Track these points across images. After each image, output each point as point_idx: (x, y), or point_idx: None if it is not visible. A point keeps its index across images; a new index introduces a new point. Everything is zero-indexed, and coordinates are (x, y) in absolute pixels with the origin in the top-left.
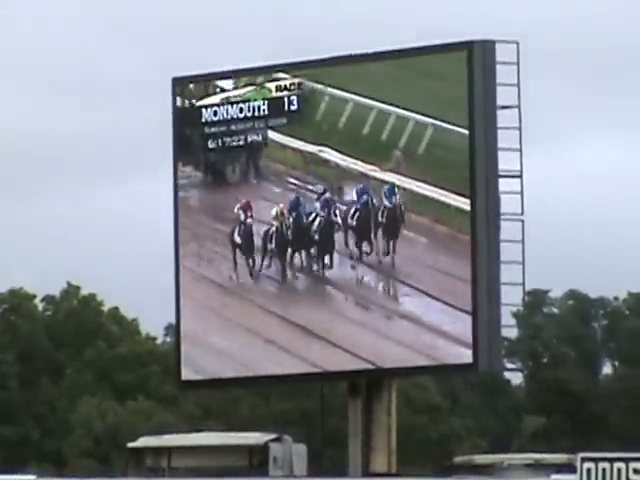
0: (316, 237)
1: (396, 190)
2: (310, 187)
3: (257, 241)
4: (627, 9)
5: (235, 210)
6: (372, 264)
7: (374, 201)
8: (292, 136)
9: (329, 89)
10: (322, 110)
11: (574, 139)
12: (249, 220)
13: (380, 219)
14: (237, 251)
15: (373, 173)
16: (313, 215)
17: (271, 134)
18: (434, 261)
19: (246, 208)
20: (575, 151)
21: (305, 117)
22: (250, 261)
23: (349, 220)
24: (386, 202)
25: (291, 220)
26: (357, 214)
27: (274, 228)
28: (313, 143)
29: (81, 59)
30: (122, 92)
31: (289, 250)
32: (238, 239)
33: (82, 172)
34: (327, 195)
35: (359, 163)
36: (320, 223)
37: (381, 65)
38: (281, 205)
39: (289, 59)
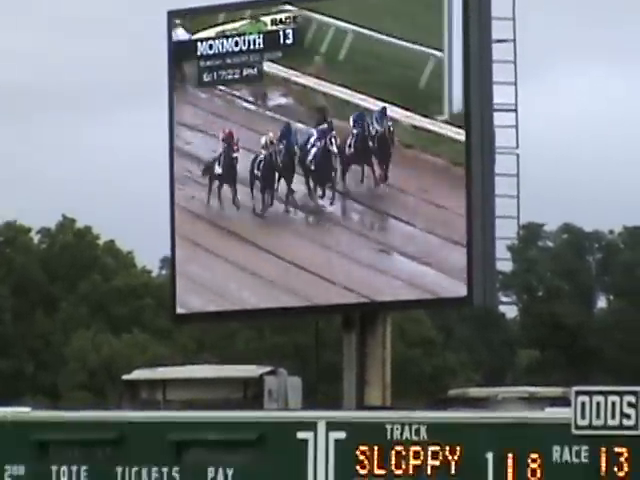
0: (312, 167)
1: (387, 113)
2: (304, 116)
3: (241, 171)
4: None
5: (219, 140)
6: (365, 195)
7: (370, 128)
8: (287, 67)
9: (325, 19)
10: (318, 42)
11: (571, 74)
12: (233, 151)
13: (372, 145)
14: (216, 182)
15: (365, 103)
16: (309, 145)
17: (266, 66)
18: (427, 192)
19: (228, 138)
20: (572, 86)
21: (301, 50)
22: (233, 191)
23: (347, 149)
24: (377, 127)
25: (282, 147)
26: (354, 141)
27: (262, 156)
28: (309, 74)
29: None
30: (115, 26)
31: (279, 180)
32: (219, 169)
33: (74, 105)
34: (324, 126)
35: (356, 95)
36: (317, 153)
37: None
38: (271, 134)
39: None
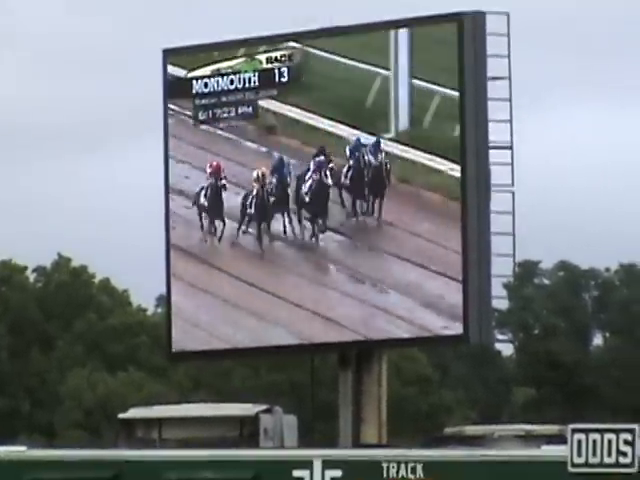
0: (307, 200)
1: (381, 146)
2: (300, 150)
3: (228, 204)
4: None
5: (206, 171)
6: (359, 229)
7: (365, 158)
8: (282, 102)
9: (319, 54)
10: (312, 79)
11: (567, 111)
12: (220, 182)
13: (367, 177)
14: (203, 214)
15: (359, 136)
16: (306, 177)
17: (261, 103)
18: (423, 229)
19: (216, 171)
20: (569, 124)
21: (295, 87)
22: (220, 225)
23: (342, 180)
24: (371, 159)
25: (274, 182)
26: (350, 173)
27: (255, 192)
28: (304, 109)
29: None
30: (113, 64)
31: (273, 214)
32: (204, 201)
33: (70, 143)
34: (320, 158)
35: (351, 130)
36: (312, 185)
37: (372, 36)
38: (263, 168)
39: (279, 30)
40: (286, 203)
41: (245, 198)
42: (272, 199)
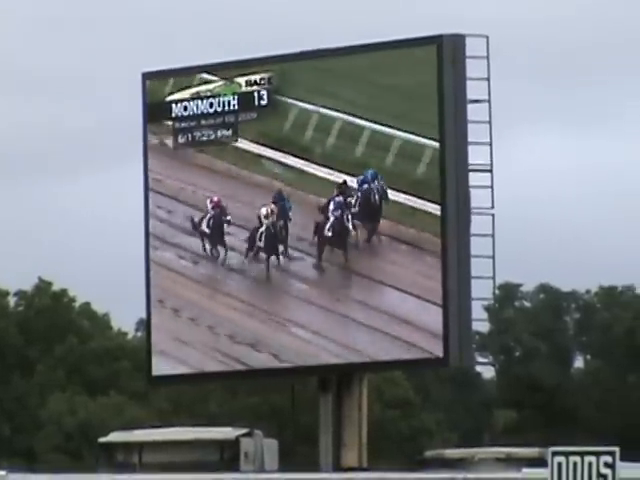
0: (329, 235)
1: (377, 179)
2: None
3: (233, 236)
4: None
5: (207, 204)
6: (342, 258)
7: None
8: (261, 133)
9: (297, 77)
10: (290, 119)
11: (535, 134)
12: (225, 217)
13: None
14: (205, 240)
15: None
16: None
17: (241, 130)
18: (404, 255)
19: (217, 205)
20: (547, 146)
21: (274, 111)
22: (219, 252)
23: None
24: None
25: (282, 220)
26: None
27: (264, 227)
28: (281, 150)
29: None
30: (88, 88)
31: (278, 248)
32: (206, 229)
33: (50, 168)
34: (340, 198)
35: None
36: (334, 224)
37: (348, 60)
38: (272, 205)
39: (258, 54)
40: (286, 236)
41: (254, 233)
42: (281, 235)
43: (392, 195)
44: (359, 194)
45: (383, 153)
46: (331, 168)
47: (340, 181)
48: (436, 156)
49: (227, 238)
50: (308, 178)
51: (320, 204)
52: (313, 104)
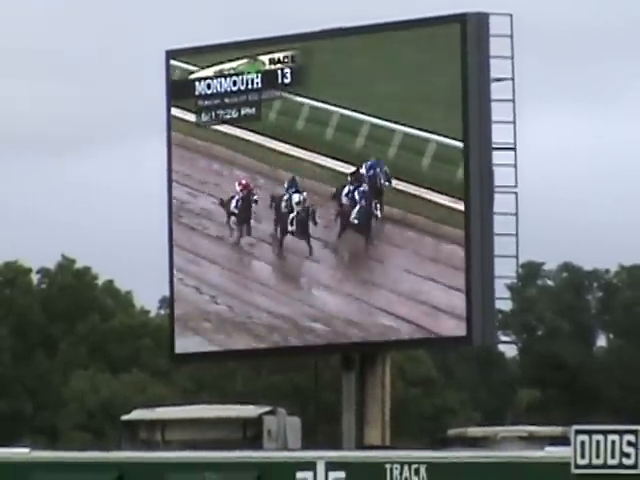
0: (356, 222)
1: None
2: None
3: (259, 217)
4: None
5: (235, 185)
6: (364, 243)
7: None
8: (285, 111)
9: (322, 55)
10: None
11: (550, 112)
12: (252, 197)
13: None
14: (231, 220)
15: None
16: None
17: (264, 108)
18: (423, 238)
19: (245, 187)
20: (572, 124)
21: (299, 89)
22: (245, 232)
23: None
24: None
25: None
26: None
27: (295, 213)
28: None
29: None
30: (113, 66)
31: (309, 233)
32: (234, 209)
33: (73, 145)
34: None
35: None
36: (360, 210)
37: (372, 38)
38: (304, 193)
39: (281, 32)
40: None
41: (285, 215)
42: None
43: (403, 180)
44: (367, 179)
45: (390, 136)
46: (335, 158)
47: (348, 170)
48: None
49: (253, 220)
50: (316, 166)
51: (329, 192)
52: (335, 87)
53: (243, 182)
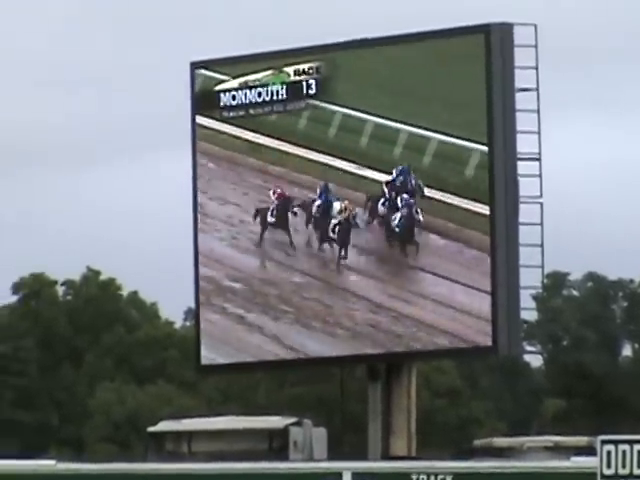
0: (397, 230)
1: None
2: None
3: (299, 227)
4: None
5: (270, 195)
6: (400, 251)
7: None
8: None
9: (346, 66)
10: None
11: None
12: (292, 209)
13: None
14: (266, 229)
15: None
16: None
17: (289, 119)
18: (450, 247)
19: (281, 195)
20: (595, 135)
21: (324, 100)
22: (279, 241)
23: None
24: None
25: (355, 212)
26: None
27: (337, 220)
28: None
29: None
30: (138, 77)
31: (349, 241)
32: (271, 218)
33: (98, 157)
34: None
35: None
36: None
37: (396, 49)
38: (346, 201)
39: (306, 43)
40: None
41: (326, 223)
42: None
43: (432, 191)
44: (401, 187)
45: (425, 144)
46: (369, 167)
47: (382, 178)
48: (484, 157)
49: (291, 228)
50: (349, 174)
51: (362, 199)
52: (359, 97)
53: (278, 191)
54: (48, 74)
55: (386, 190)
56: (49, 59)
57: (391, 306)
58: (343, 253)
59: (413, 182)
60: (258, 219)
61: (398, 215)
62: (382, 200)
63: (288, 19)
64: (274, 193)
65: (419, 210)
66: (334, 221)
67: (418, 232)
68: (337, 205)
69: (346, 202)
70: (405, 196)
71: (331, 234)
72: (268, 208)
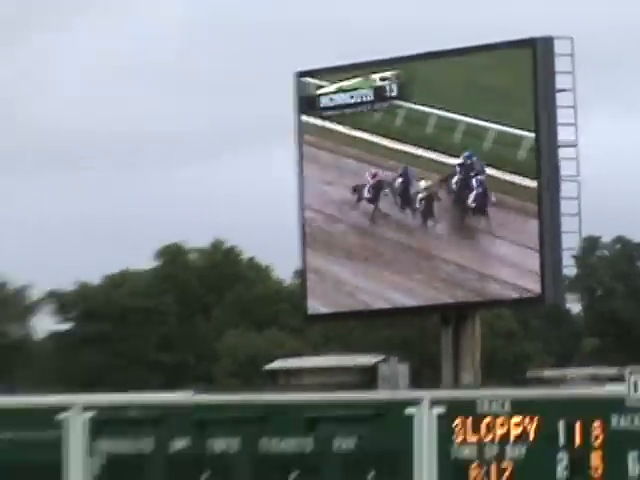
0: (472, 206)
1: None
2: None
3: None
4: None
5: (366, 176)
6: (474, 221)
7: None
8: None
9: (420, 73)
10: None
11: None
12: (382, 186)
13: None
14: (364, 202)
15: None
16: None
17: (376, 116)
18: (510, 217)
19: (374, 177)
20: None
21: (402, 105)
22: (375, 212)
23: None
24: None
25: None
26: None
27: (423, 194)
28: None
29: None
30: (247, 87)
31: (434, 212)
32: (367, 194)
33: (219, 150)
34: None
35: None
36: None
37: (459, 59)
38: (430, 181)
39: (388, 55)
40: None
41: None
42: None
43: (492, 170)
44: (465, 168)
45: (485, 133)
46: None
47: (454, 162)
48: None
49: (382, 201)
50: (424, 159)
51: (435, 179)
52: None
53: (372, 171)
54: (157, 79)
55: (458, 170)
56: (167, 70)
57: (462, 264)
58: (426, 222)
59: (478, 163)
60: (356, 195)
61: (474, 193)
62: (455, 179)
63: (372, 36)
64: (369, 175)
65: (487, 189)
66: (420, 195)
67: (488, 205)
68: (422, 183)
69: (430, 181)
70: (480, 177)
71: (417, 206)
72: (364, 185)
